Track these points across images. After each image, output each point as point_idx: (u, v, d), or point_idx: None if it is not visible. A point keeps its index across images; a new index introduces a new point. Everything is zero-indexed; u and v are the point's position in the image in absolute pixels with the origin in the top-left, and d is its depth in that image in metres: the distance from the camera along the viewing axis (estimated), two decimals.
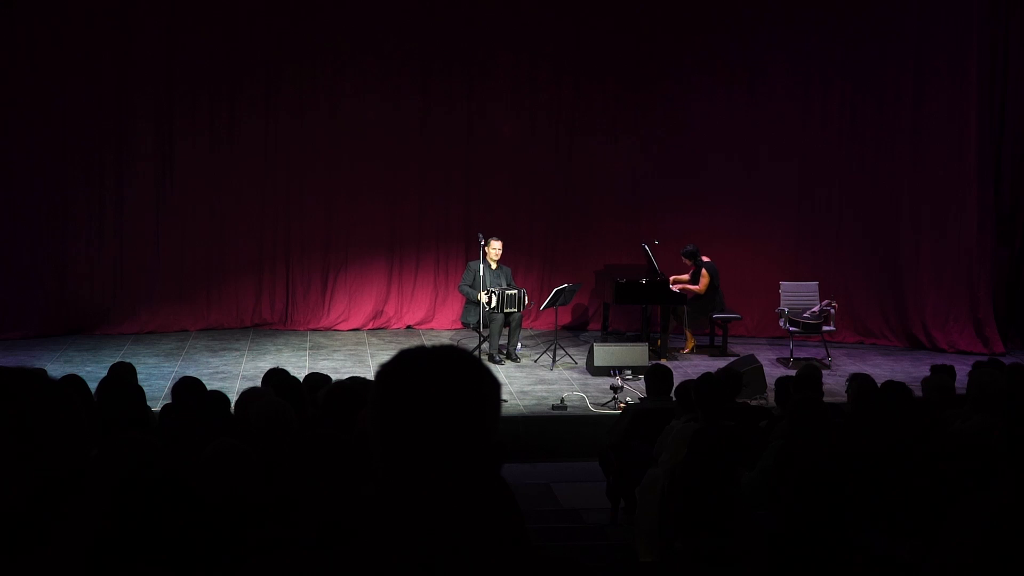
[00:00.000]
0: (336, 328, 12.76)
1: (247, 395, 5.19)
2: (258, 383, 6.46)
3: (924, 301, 12.28)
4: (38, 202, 12.00)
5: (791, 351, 11.46)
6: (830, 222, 12.76)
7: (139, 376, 6.94)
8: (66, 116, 11.96)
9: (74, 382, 5.51)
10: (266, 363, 10.24)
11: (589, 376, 10.56)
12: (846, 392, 6.88)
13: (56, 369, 9.82)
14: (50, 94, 11.87)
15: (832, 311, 11.49)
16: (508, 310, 11.08)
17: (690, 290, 11.80)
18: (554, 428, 9.05)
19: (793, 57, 12.65)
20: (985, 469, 4.16)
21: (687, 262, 11.88)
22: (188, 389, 5.80)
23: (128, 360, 7.64)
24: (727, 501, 4.71)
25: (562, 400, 9.43)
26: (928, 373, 7.41)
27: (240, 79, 12.38)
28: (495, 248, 11.28)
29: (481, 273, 11.07)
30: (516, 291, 11.16)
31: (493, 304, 10.95)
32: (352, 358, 11.33)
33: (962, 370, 7.62)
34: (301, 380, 6.38)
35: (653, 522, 5.31)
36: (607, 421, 8.32)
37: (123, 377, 6.46)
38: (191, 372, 9.47)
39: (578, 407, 9.41)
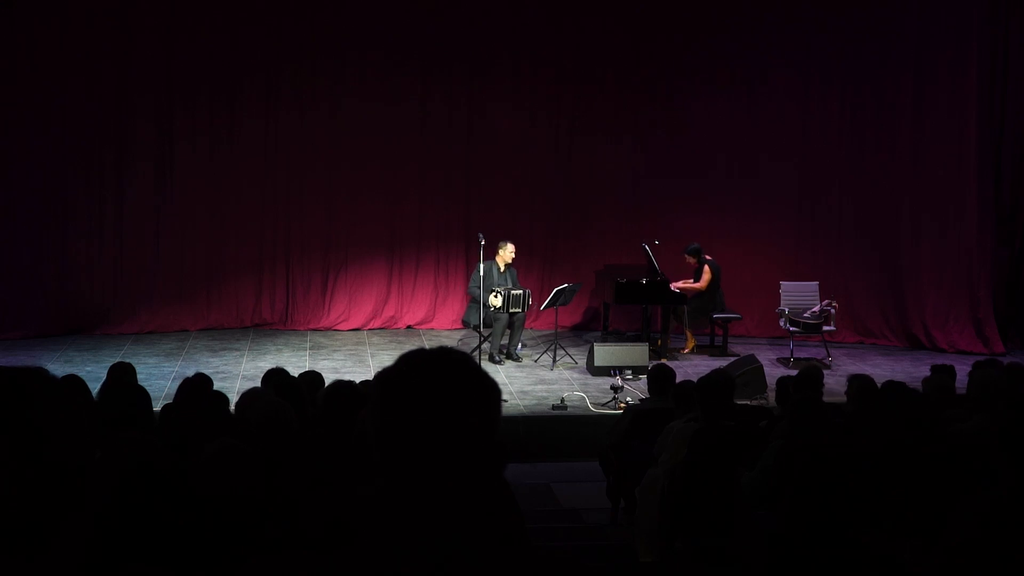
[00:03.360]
0: (336, 328, 12.76)
1: (247, 395, 5.19)
2: (258, 383, 6.45)
3: (924, 301, 12.28)
4: (38, 202, 12.00)
5: (791, 351, 11.46)
6: (830, 222, 12.76)
7: (139, 376, 6.93)
8: (66, 116, 11.97)
9: (74, 382, 5.50)
10: (266, 363, 10.24)
11: (589, 376, 10.56)
12: (846, 393, 6.87)
13: (56, 369, 9.78)
14: (50, 94, 11.87)
15: (832, 311, 11.49)
16: (513, 310, 11.09)
17: (692, 288, 11.79)
18: (554, 428, 9.05)
19: (793, 57, 12.65)
20: (985, 469, 4.16)
21: (691, 260, 11.85)
22: (197, 387, 5.78)
23: (128, 360, 7.64)
24: (727, 501, 4.71)
25: (562, 400, 9.43)
26: (928, 373, 7.40)
27: (240, 79, 12.38)
28: (509, 251, 11.27)
29: (492, 272, 11.07)
30: (521, 291, 11.16)
31: (499, 304, 10.94)
32: (352, 358, 11.33)
33: (962, 370, 7.61)
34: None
35: (653, 522, 5.31)
36: (607, 421, 8.32)
37: (123, 377, 6.45)
38: (192, 372, 9.45)
39: (578, 407, 9.40)
